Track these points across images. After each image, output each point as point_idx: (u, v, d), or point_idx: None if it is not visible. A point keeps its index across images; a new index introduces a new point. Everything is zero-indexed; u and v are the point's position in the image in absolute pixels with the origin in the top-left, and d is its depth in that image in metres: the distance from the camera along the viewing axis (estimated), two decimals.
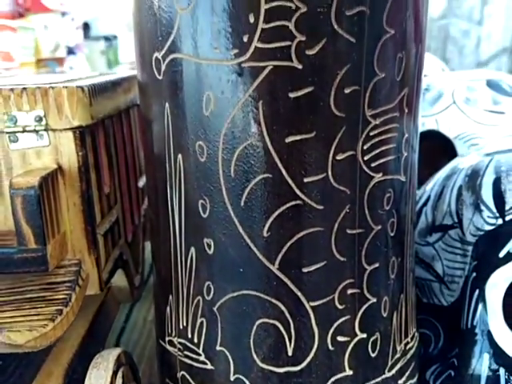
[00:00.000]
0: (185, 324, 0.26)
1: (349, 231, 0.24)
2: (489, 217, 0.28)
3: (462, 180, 0.31)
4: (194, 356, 0.26)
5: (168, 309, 0.27)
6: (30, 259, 0.27)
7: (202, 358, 0.26)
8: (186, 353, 0.27)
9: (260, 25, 0.21)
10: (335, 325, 0.24)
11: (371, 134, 0.23)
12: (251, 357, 0.24)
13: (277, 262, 0.23)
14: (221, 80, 0.22)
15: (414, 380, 0.29)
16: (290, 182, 0.23)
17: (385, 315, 0.26)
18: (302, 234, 0.23)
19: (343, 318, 0.24)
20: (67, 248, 0.30)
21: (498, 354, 0.26)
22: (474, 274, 0.27)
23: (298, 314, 0.24)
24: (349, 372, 0.25)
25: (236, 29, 0.22)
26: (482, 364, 0.26)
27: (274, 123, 0.22)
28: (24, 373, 0.30)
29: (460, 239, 0.29)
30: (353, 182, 0.23)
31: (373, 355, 0.25)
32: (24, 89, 0.28)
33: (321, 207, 0.23)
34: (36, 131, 0.28)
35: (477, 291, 0.27)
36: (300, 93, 0.22)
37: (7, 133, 0.28)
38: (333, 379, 0.25)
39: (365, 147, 0.23)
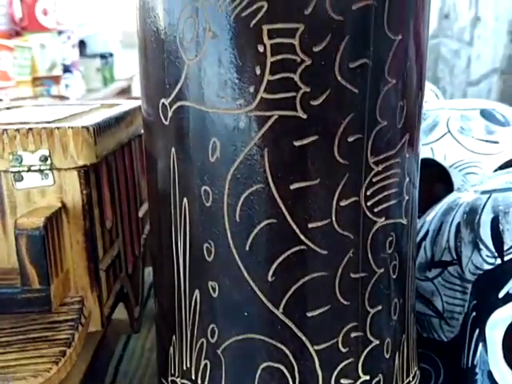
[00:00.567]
0: (188, 365, 0.26)
1: (352, 275, 0.24)
2: (487, 256, 0.28)
3: (460, 216, 0.31)
4: None
5: (171, 349, 0.27)
6: (34, 299, 0.27)
7: None
8: None
9: (266, 76, 0.22)
10: (339, 368, 0.24)
11: (374, 180, 0.24)
12: None
13: (281, 306, 0.24)
14: (227, 128, 0.23)
15: None
16: (294, 227, 0.23)
17: (387, 356, 0.26)
18: (306, 278, 0.23)
19: (347, 361, 0.24)
20: (70, 285, 0.30)
21: None
22: (474, 314, 0.28)
23: (302, 357, 0.24)
24: None
25: (242, 80, 0.22)
26: None
27: (279, 170, 0.23)
28: None
29: (459, 276, 0.30)
30: (356, 227, 0.24)
31: None
32: (30, 129, 0.28)
33: (325, 252, 0.23)
34: (41, 171, 0.29)
35: (477, 331, 0.27)
36: (305, 141, 0.22)
37: (12, 172, 0.29)
38: None
39: (368, 193, 0.24)
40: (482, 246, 0.29)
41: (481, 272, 0.28)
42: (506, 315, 0.26)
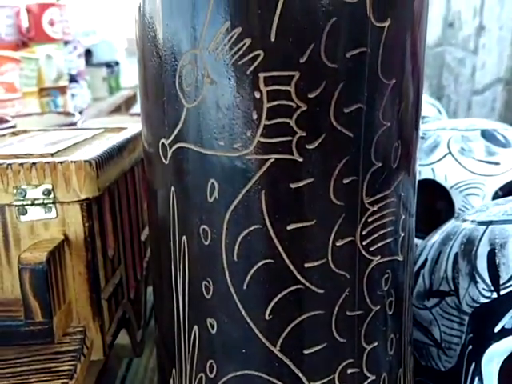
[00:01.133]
0: None
1: (348, 313, 0.24)
2: (484, 289, 0.28)
3: (458, 247, 0.32)
4: None
5: (171, 381, 0.28)
6: (37, 332, 0.28)
7: None
8: None
9: (263, 121, 0.22)
10: None
11: (369, 219, 0.24)
12: None
13: (278, 344, 0.24)
14: (225, 170, 0.23)
15: None
16: (291, 267, 0.24)
17: None
18: (303, 317, 0.24)
19: None
20: (72, 316, 0.31)
21: None
22: (471, 347, 0.28)
23: None
24: None
25: (240, 125, 0.23)
26: None
27: (276, 212, 0.23)
28: None
29: (457, 307, 0.30)
30: (352, 266, 0.24)
31: None
32: (33, 164, 0.29)
33: (321, 291, 0.24)
34: (44, 204, 0.29)
35: (473, 364, 0.27)
36: (301, 184, 0.23)
37: (16, 206, 0.29)
38: None
39: (363, 233, 0.24)
40: (478, 279, 0.29)
41: (477, 305, 0.29)
42: (502, 350, 0.26)
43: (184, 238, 0.25)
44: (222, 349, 0.25)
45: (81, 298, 0.31)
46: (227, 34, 0.22)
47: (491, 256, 0.29)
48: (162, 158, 0.25)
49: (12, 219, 0.30)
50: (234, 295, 0.24)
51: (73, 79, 1.49)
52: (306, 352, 0.24)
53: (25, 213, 0.30)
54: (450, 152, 0.50)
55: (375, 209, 0.24)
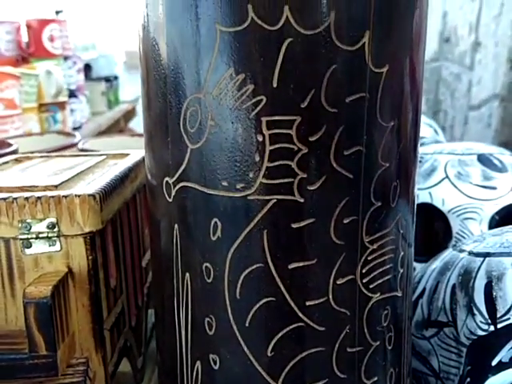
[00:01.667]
0: None
1: (349, 350, 0.25)
2: (481, 322, 0.29)
3: (455, 278, 0.32)
4: None
5: None
6: (41, 365, 0.28)
7: None
8: None
9: (265, 163, 0.23)
10: None
11: (369, 258, 0.25)
12: None
13: (280, 381, 0.24)
14: (228, 210, 0.24)
15: None
16: (292, 305, 0.24)
17: None
18: (304, 354, 0.24)
19: None
20: (75, 348, 0.31)
21: None
22: (469, 379, 0.28)
23: None
24: None
25: (243, 166, 0.23)
26: None
27: (278, 251, 0.24)
28: None
29: (455, 338, 0.31)
30: (352, 303, 0.25)
31: None
32: (38, 198, 0.30)
33: (322, 328, 0.24)
34: (49, 238, 0.30)
35: None
36: (302, 224, 0.23)
37: (21, 239, 0.30)
38: None
39: (363, 271, 0.24)
40: (475, 311, 0.29)
41: (475, 337, 0.29)
42: (500, 383, 0.27)
43: (187, 274, 0.26)
44: None
45: (84, 329, 0.31)
46: (231, 80, 0.23)
47: (488, 289, 0.29)
48: (166, 196, 0.26)
49: (17, 252, 0.30)
50: (237, 332, 0.25)
51: (72, 94, 1.50)
52: None
53: (29, 246, 0.30)
54: (447, 176, 0.51)
55: (375, 247, 0.25)
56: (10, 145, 0.54)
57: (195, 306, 0.26)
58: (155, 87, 0.25)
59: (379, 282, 0.25)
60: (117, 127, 1.81)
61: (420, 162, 0.54)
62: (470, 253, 0.33)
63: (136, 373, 0.39)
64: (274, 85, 0.22)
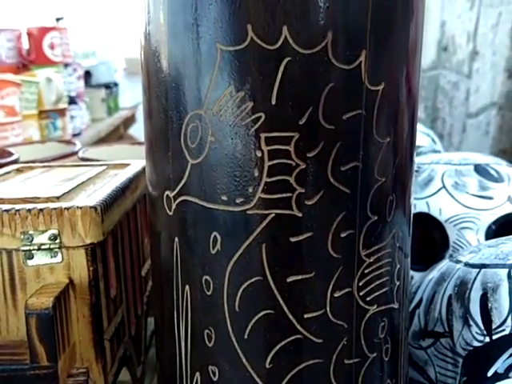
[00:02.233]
0: None
1: (346, 361, 0.25)
2: (477, 333, 0.29)
3: (451, 289, 0.32)
4: None
5: None
6: (42, 375, 0.29)
7: None
8: None
9: (264, 179, 0.23)
10: None
11: (366, 271, 0.25)
12: None
13: None
14: (227, 224, 0.24)
15: None
16: (290, 317, 0.24)
17: None
18: (302, 365, 0.25)
19: None
20: (76, 358, 0.31)
21: None
22: None
23: None
24: None
25: (242, 181, 0.24)
26: None
27: (276, 264, 0.24)
28: None
29: (451, 349, 0.31)
30: (349, 316, 0.25)
31: None
32: (40, 210, 0.30)
33: (320, 341, 0.25)
34: (50, 249, 0.30)
35: None
36: (300, 237, 0.24)
37: (23, 251, 0.30)
38: None
39: (360, 284, 0.25)
40: (471, 322, 0.30)
41: (471, 348, 0.29)
42: None
43: (187, 287, 0.26)
44: None
45: (84, 339, 0.31)
46: (231, 97, 0.23)
47: (484, 300, 0.30)
48: (167, 209, 0.26)
49: (19, 263, 0.30)
50: (236, 344, 0.25)
51: (72, 101, 1.51)
52: None
53: (31, 257, 0.30)
54: (444, 186, 0.52)
55: (371, 260, 0.25)
56: (11, 154, 0.55)
57: (195, 317, 0.26)
58: (157, 102, 0.26)
59: (376, 294, 0.26)
60: (116, 134, 1.81)
61: (417, 171, 0.55)
62: (466, 264, 0.33)
63: (135, 382, 0.39)
64: (273, 102, 0.23)
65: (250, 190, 0.24)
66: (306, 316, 0.24)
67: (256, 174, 0.23)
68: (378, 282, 0.26)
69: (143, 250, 0.44)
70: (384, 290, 0.26)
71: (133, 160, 0.46)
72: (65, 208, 0.30)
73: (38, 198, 0.33)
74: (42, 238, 0.30)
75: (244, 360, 0.25)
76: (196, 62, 0.23)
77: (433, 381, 0.32)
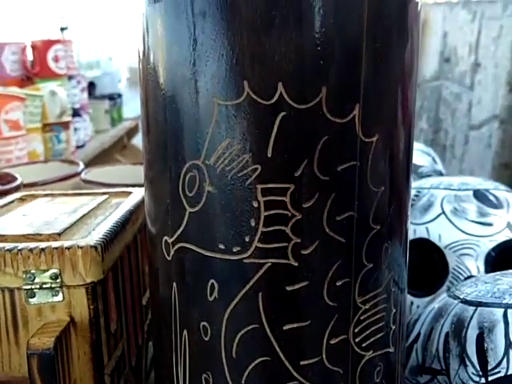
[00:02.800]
0: None
1: None
2: (473, 373, 0.30)
3: (448, 326, 0.33)
4: None
5: None
6: None
7: None
8: None
9: (260, 228, 0.24)
10: None
11: (362, 318, 0.25)
12: None
13: None
14: (224, 272, 0.25)
15: None
16: (287, 364, 0.25)
17: None
18: None
19: None
20: None
21: None
22: None
23: None
24: None
25: (239, 231, 0.24)
26: None
27: (273, 312, 0.24)
28: None
29: None
30: (345, 362, 0.25)
31: None
32: (42, 249, 0.31)
33: None
34: (52, 288, 0.31)
35: None
36: (296, 286, 0.24)
37: (25, 289, 0.31)
38: None
39: (356, 330, 0.25)
40: (468, 362, 0.30)
41: None
42: None
43: (185, 331, 0.26)
44: None
45: (85, 376, 0.32)
46: (227, 149, 0.24)
47: (480, 340, 0.30)
48: (165, 254, 0.27)
49: (21, 302, 0.31)
50: None
51: (76, 113, 1.52)
52: None
53: (33, 296, 0.31)
54: (443, 212, 0.52)
55: (367, 307, 0.25)
56: (14, 178, 0.55)
57: (193, 362, 0.26)
58: (157, 151, 0.26)
59: (372, 340, 0.26)
60: (120, 144, 1.83)
61: (417, 196, 0.55)
62: (463, 301, 0.34)
63: None
64: (269, 155, 0.23)
65: (247, 239, 0.24)
66: (302, 363, 0.25)
67: (253, 223, 0.24)
68: (373, 328, 0.26)
69: (144, 279, 0.44)
70: (380, 335, 0.26)
71: (135, 188, 0.47)
72: (66, 247, 0.31)
73: (40, 234, 0.33)
74: (44, 277, 0.31)
75: None
76: (194, 115, 0.24)
77: None
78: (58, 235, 0.33)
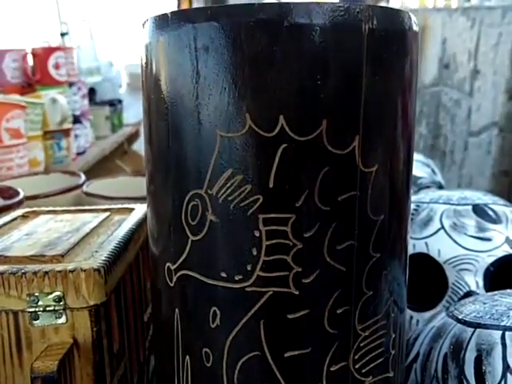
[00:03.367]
0: None
1: None
2: None
3: (447, 347, 0.33)
4: None
5: None
6: None
7: None
8: None
9: (262, 257, 0.24)
10: None
11: (362, 344, 0.26)
12: None
13: None
14: (226, 300, 0.25)
15: None
16: None
17: None
18: None
19: None
20: None
21: None
22: None
23: None
24: None
25: (241, 259, 0.24)
26: None
27: (274, 340, 0.25)
28: None
29: None
30: None
31: None
32: (46, 273, 0.31)
33: None
34: (55, 310, 0.31)
35: None
36: (297, 315, 0.25)
37: (29, 312, 0.31)
38: None
39: (356, 357, 0.26)
40: None
41: None
42: None
43: (187, 357, 0.27)
44: None
45: None
46: (230, 180, 0.24)
47: (478, 362, 0.30)
48: (168, 280, 0.27)
49: (25, 324, 0.31)
50: None
51: (76, 120, 1.52)
52: None
53: (37, 318, 0.31)
54: (442, 227, 0.52)
55: (367, 334, 0.26)
56: (17, 193, 0.56)
57: None
58: (161, 179, 0.27)
59: (371, 365, 0.26)
60: (120, 150, 1.83)
61: (416, 210, 0.55)
62: (462, 321, 0.34)
63: None
64: (270, 185, 0.24)
65: (249, 267, 0.24)
66: None
67: (254, 252, 0.24)
68: (373, 354, 0.26)
69: (146, 295, 0.45)
70: (379, 360, 0.27)
71: (136, 205, 0.47)
72: (69, 270, 0.31)
73: (44, 256, 0.34)
74: (47, 300, 0.31)
75: None
76: (197, 146, 0.24)
77: None
78: (62, 256, 0.34)
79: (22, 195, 0.54)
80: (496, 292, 0.38)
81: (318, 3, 0.22)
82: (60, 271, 0.31)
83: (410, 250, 0.54)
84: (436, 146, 1.80)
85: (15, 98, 1.28)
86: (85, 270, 0.31)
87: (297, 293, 0.24)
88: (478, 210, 0.53)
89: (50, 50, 1.51)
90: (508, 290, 0.38)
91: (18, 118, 1.21)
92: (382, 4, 2.55)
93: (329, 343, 0.25)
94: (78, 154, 1.46)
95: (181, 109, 0.24)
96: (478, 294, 0.49)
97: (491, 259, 0.50)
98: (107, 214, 0.45)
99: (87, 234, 0.39)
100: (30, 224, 0.43)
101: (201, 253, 0.25)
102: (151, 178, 0.28)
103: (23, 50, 1.49)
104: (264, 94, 0.23)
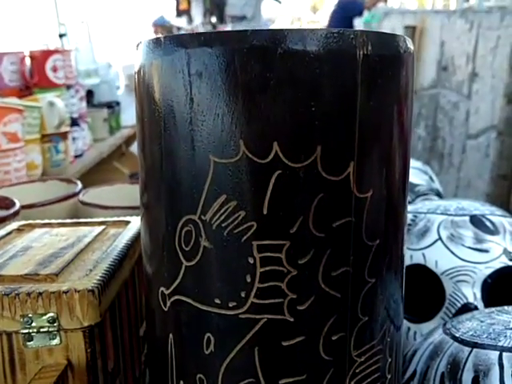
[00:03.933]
0: None
1: None
2: None
3: (444, 367, 0.33)
4: None
5: None
6: None
7: None
8: None
9: (256, 284, 0.24)
10: None
11: (357, 370, 0.25)
12: None
13: None
14: (220, 326, 0.25)
15: None
16: None
17: None
18: None
19: None
20: None
21: None
22: None
23: None
24: None
25: (234, 286, 0.24)
26: None
27: (269, 367, 0.25)
28: None
29: None
30: None
31: None
32: (40, 293, 0.31)
33: None
34: (49, 332, 0.31)
35: None
36: (292, 341, 0.24)
37: (23, 333, 0.31)
38: None
39: (352, 383, 0.25)
40: None
41: None
42: None
43: (182, 382, 0.26)
44: None
45: None
46: (223, 206, 0.24)
47: (475, 383, 0.30)
48: (162, 305, 0.27)
49: (18, 345, 0.31)
50: None
51: (74, 122, 1.51)
52: None
53: (31, 339, 0.31)
54: (439, 238, 0.52)
55: (362, 359, 0.26)
56: (12, 203, 0.55)
57: None
58: (154, 205, 0.26)
59: None
60: (118, 152, 1.82)
61: (413, 221, 0.55)
62: (459, 340, 0.34)
63: None
64: (265, 212, 0.23)
65: (243, 294, 0.24)
66: None
67: (248, 279, 0.24)
68: (369, 380, 0.26)
69: (141, 310, 0.45)
70: None
71: (132, 217, 0.47)
72: (63, 291, 0.31)
73: (38, 274, 0.33)
74: (41, 321, 0.31)
75: None
76: (190, 171, 0.24)
77: None
78: (56, 275, 0.33)
79: (17, 206, 0.54)
80: (493, 309, 0.38)
81: (312, 29, 0.22)
82: (54, 292, 0.31)
83: (407, 261, 0.54)
84: (434, 148, 1.80)
85: (12, 101, 1.27)
86: (79, 291, 0.31)
87: (291, 320, 0.24)
88: (476, 221, 0.53)
89: (47, 53, 1.51)
90: (505, 307, 0.37)
91: (16, 122, 1.20)
92: (381, 5, 2.54)
93: (324, 370, 0.25)
94: (76, 156, 1.46)
95: (174, 133, 0.24)
96: (475, 305, 0.49)
97: (489, 271, 0.50)
98: (102, 227, 0.45)
99: (82, 250, 0.38)
100: (25, 238, 0.42)
101: (195, 279, 0.25)
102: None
103: (21, 53, 1.48)
104: (258, 121, 0.23)
